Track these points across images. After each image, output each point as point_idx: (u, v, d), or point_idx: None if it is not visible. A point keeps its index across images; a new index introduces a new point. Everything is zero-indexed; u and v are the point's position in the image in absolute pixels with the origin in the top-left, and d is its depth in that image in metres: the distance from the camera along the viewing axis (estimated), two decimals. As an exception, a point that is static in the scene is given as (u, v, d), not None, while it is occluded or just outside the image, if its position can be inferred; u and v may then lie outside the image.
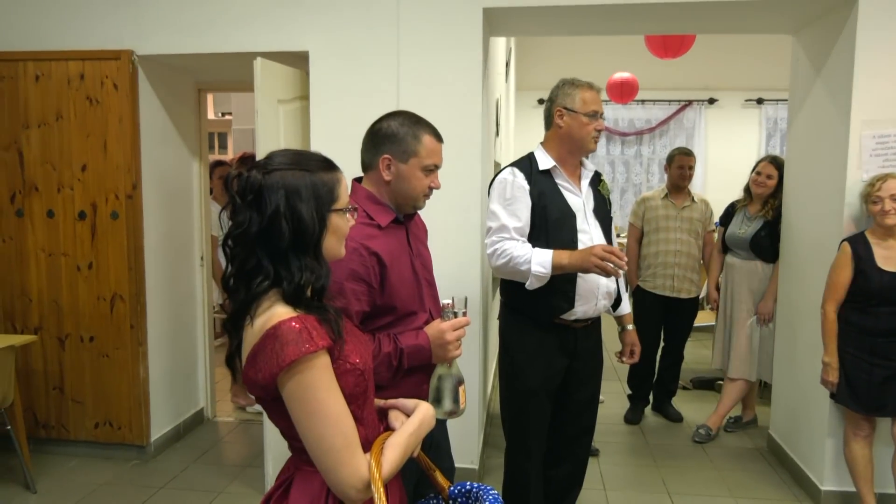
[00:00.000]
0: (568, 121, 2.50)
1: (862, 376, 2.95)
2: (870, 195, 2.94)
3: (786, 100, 7.98)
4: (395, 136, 1.86)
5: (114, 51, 3.44)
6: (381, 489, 1.24)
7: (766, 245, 3.88)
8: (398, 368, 1.80)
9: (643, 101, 8.21)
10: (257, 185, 1.29)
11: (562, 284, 2.46)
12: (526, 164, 2.57)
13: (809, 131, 3.51)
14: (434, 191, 1.95)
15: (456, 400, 1.74)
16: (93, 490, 3.35)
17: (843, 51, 3.14)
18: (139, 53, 3.47)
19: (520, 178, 2.51)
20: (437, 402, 1.73)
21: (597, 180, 2.67)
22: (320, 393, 1.24)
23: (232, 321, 1.37)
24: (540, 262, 2.37)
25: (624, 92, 7.09)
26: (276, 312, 1.26)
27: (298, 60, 3.41)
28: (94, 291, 3.58)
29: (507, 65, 6.24)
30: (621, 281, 2.76)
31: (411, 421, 1.42)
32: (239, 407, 4.50)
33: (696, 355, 4.71)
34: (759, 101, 8.18)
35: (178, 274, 4.00)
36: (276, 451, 3.33)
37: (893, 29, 3.01)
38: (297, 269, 1.30)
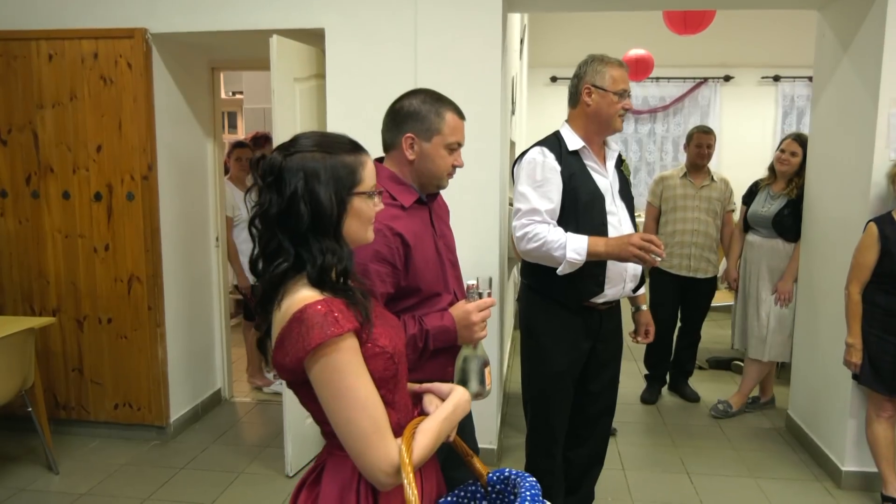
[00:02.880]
0: (597, 98, 2.43)
1: (886, 358, 2.92)
2: (897, 174, 2.89)
3: (803, 77, 7.92)
4: (417, 114, 1.83)
5: (127, 29, 3.39)
6: (411, 474, 1.22)
7: (789, 224, 3.83)
8: (423, 350, 1.79)
9: (657, 79, 8.09)
10: (278, 167, 1.29)
11: (592, 268, 2.41)
12: (555, 143, 2.49)
13: (835, 109, 3.44)
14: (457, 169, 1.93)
15: (482, 381, 1.73)
16: (115, 470, 3.38)
17: (872, 27, 3.07)
18: (153, 32, 3.43)
19: (550, 159, 2.44)
20: (462, 383, 1.71)
21: (619, 160, 2.63)
22: (347, 376, 1.23)
23: (260, 304, 1.36)
24: (575, 248, 2.32)
25: (639, 69, 6.98)
26: (302, 296, 1.25)
27: (314, 38, 3.36)
28: (110, 273, 3.58)
29: (522, 42, 6.16)
30: None
31: (445, 406, 1.41)
32: (256, 387, 4.51)
33: (712, 335, 4.69)
34: (776, 79, 8.04)
35: (194, 255, 3.99)
36: (295, 431, 3.34)
37: (925, 4, 2.93)
38: (318, 252, 1.29)
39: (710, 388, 4.52)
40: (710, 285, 4.34)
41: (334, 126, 3.32)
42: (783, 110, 8.19)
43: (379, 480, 1.24)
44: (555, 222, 2.42)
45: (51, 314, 3.61)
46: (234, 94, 7.26)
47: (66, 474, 3.33)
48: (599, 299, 2.49)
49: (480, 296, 1.78)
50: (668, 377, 4.50)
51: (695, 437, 3.81)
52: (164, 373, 3.67)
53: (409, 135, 1.83)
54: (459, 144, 1.89)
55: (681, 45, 6.78)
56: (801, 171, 3.86)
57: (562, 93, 8.27)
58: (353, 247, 1.37)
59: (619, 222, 2.49)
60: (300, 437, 3.40)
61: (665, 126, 8.33)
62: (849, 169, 3.25)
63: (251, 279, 4.42)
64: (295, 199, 1.27)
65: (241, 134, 7.01)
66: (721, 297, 4.63)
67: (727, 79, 8.20)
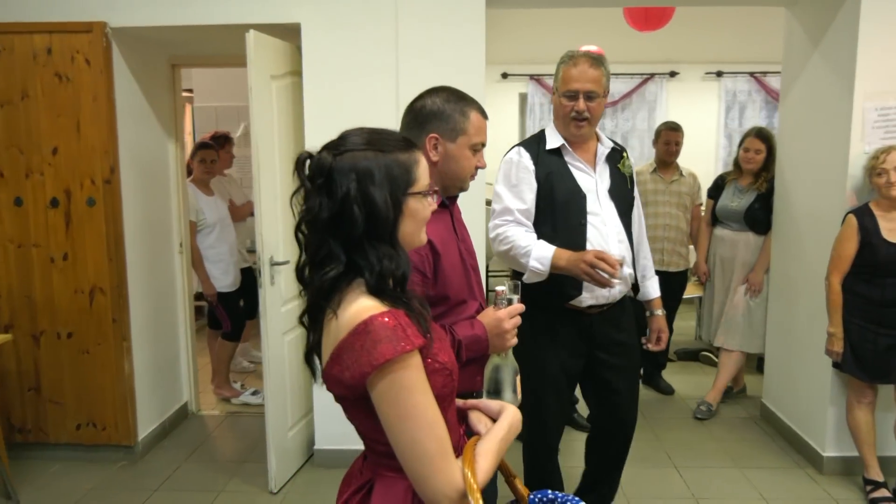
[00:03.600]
0: (554, 100, 2.43)
1: (867, 346, 3.01)
2: (874, 167, 2.97)
3: (744, 72, 8.15)
4: (441, 114, 1.75)
5: (85, 23, 3.16)
6: (480, 499, 1.15)
7: (761, 217, 3.91)
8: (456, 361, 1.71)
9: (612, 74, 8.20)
10: (328, 167, 1.20)
11: None
12: (534, 143, 2.47)
13: (806, 104, 3.53)
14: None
15: (515, 390, 1.66)
16: (81, 496, 3.15)
17: (844, 23, 3.15)
18: (112, 26, 3.21)
19: (525, 159, 2.42)
20: (495, 393, 1.65)
21: (618, 157, 2.56)
22: (415, 395, 1.15)
23: (309, 314, 1.26)
24: (538, 257, 2.27)
25: (591, 65, 7.06)
26: (364, 305, 1.16)
27: (288, 33, 3.22)
28: (70, 284, 3.34)
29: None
30: (648, 262, 2.70)
31: (500, 426, 1.33)
32: (223, 399, 4.31)
33: (677, 327, 4.78)
34: (719, 74, 8.27)
35: (159, 262, 3.77)
36: (278, 446, 3.20)
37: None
38: (375, 258, 1.20)
39: (681, 379, 4.59)
40: (681, 279, 4.40)
41: (313, 124, 3.18)
42: (726, 105, 8.44)
43: None
44: (530, 223, 2.39)
45: (3, 330, 3.34)
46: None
47: (28, 503, 3.09)
48: (583, 303, 2.43)
49: (510, 301, 1.72)
50: (641, 371, 4.54)
51: (676, 431, 3.85)
52: (131, 388, 3.45)
53: (433, 135, 1.74)
54: (483, 145, 1.82)
55: (629, 42, 6.88)
56: (767, 165, 3.95)
57: (513, 89, 8.24)
58: (407, 250, 1.28)
59: (601, 222, 2.41)
60: (283, 451, 3.26)
61: (614, 121, 8.44)
62: (823, 162, 3.34)
63: (222, 287, 4.16)
64: (347, 201, 1.17)
65: (187, 133, 6.71)
66: (688, 290, 4.70)
67: (672, 74, 8.39)
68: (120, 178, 3.34)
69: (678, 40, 7.77)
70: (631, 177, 2.58)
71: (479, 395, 1.92)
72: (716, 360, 4.53)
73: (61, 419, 3.45)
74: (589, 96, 2.33)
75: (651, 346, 2.66)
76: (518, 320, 1.75)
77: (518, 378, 1.69)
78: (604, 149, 2.50)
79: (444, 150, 1.76)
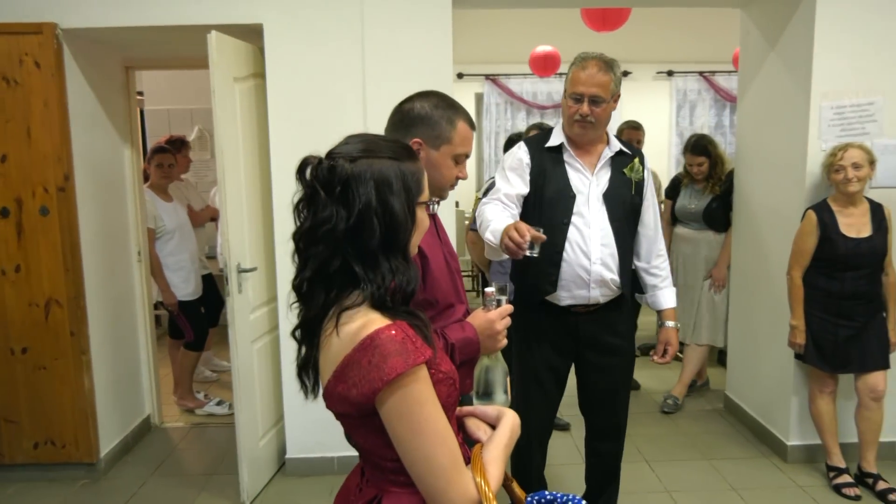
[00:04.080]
0: (563, 100, 2.43)
1: (828, 337, 3.11)
2: (832, 164, 3.06)
3: (694, 72, 8.35)
4: (428, 119, 1.72)
5: (34, 23, 3.02)
6: None
7: (719, 216, 4.00)
8: None
9: (561, 75, 8.28)
10: (345, 175, 1.14)
11: (546, 267, 2.40)
12: (538, 138, 2.51)
13: (763, 103, 3.62)
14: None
15: (506, 391, 1.66)
16: (42, 518, 3.03)
17: (800, 24, 3.24)
18: (63, 27, 3.07)
19: (521, 152, 2.47)
20: (486, 395, 1.64)
21: (626, 161, 2.47)
22: (426, 408, 1.12)
23: (305, 330, 1.22)
24: (493, 230, 2.21)
25: (547, 65, 7.11)
26: (370, 319, 1.12)
27: (251, 35, 3.14)
28: (24, 297, 3.19)
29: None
30: (661, 272, 2.58)
31: (502, 432, 1.31)
32: (187, 410, 4.19)
33: (643, 322, 4.84)
34: (670, 74, 8.45)
35: (117, 271, 3.64)
36: (249, 456, 3.13)
37: (850, 2, 3.13)
38: (388, 271, 1.16)
39: (645, 374, 4.66)
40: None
41: (278, 128, 3.11)
42: (677, 103, 8.64)
43: None
44: (514, 206, 2.40)
45: (-48, 348, 3.18)
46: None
47: (-15, 528, 2.96)
48: (561, 301, 2.45)
49: (500, 303, 1.71)
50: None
51: (644, 425, 3.91)
52: (91, 403, 3.32)
53: (416, 140, 1.71)
54: (467, 156, 1.80)
55: (583, 42, 6.93)
56: (713, 170, 4.03)
57: (469, 89, 8.23)
58: None
59: (585, 224, 2.40)
60: (254, 461, 3.19)
61: (570, 121, 8.57)
62: (781, 160, 3.43)
63: (183, 296, 4.05)
64: (368, 212, 1.13)
65: (141, 138, 6.51)
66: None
67: (625, 74, 8.53)
68: (75, 185, 3.20)
69: (631, 40, 7.88)
70: (639, 182, 2.48)
71: (467, 399, 1.92)
72: (680, 355, 4.62)
73: (17, 439, 3.29)
74: (594, 100, 2.31)
75: (657, 359, 2.56)
76: (508, 321, 1.75)
77: (508, 379, 1.69)
78: (609, 151, 2.46)
79: (427, 157, 1.73)
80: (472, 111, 7.65)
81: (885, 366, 3.10)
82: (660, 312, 2.60)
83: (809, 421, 3.30)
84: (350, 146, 1.20)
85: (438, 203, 1.35)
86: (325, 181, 1.15)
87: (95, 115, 3.44)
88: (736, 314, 3.97)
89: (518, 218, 2.38)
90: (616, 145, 2.48)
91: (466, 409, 1.43)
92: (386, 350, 1.09)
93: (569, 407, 2.70)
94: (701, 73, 8.25)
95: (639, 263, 2.60)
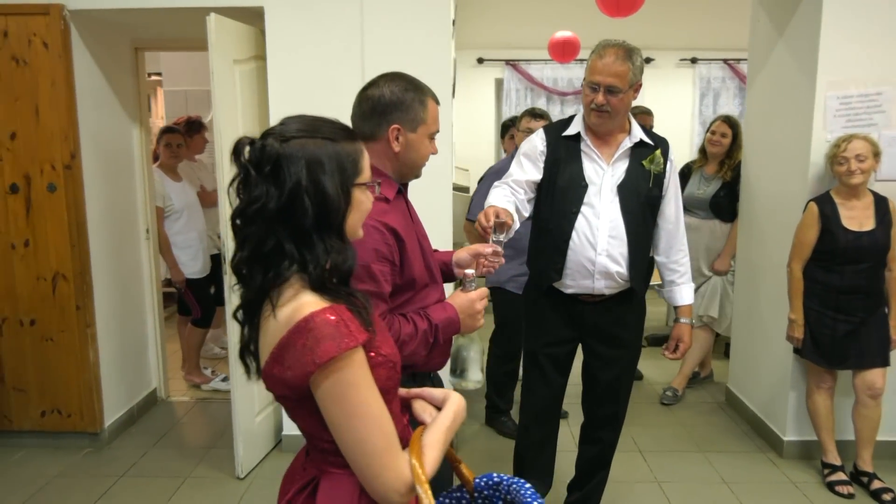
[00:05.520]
0: (583, 87, 2.39)
1: (826, 332, 3.05)
2: (836, 156, 2.99)
3: (718, 59, 8.18)
4: (402, 104, 1.74)
5: (42, 5, 3.10)
6: (429, 490, 1.15)
7: (726, 205, 3.94)
8: (433, 345, 1.73)
9: (582, 61, 8.18)
10: (275, 154, 1.15)
11: (551, 254, 2.42)
12: (558, 126, 2.49)
13: (771, 91, 3.54)
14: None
15: (482, 368, 1.69)
16: (46, 483, 3.14)
17: (808, 12, 3.16)
18: (70, 8, 3.14)
19: (538, 139, 2.47)
20: (462, 373, 1.68)
21: (647, 152, 2.40)
22: (360, 391, 1.13)
23: (245, 311, 1.24)
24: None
25: (566, 51, 7.01)
26: (305, 302, 1.13)
27: (251, 17, 3.17)
28: (32, 271, 3.30)
29: (453, 23, 6.07)
30: (680, 267, 2.56)
31: (445, 415, 1.32)
32: (194, 385, 4.30)
33: (649, 312, 4.78)
34: (693, 61, 8.28)
35: (124, 248, 3.73)
36: (245, 430, 3.20)
37: (859, -10, 3.04)
38: (323, 251, 1.17)
39: (651, 364, 4.63)
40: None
41: (277, 110, 3.15)
42: (700, 91, 8.46)
43: (391, 500, 1.14)
44: (523, 191, 2.41)
45: (-36, 318, 3.30)
46: (150, 75, 6.83)
47: (-9, 491, 3.08)
48: (565, 289, 2.45)
49: (476, 284, 1.75)
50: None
51: (643, 416, 3.90)
52: (96, 375, 3.43)
53: (395, 126, 1.73)
54: (437, 132, 1.83)
55: (605, 28, 6.84)
56: (731, 152, 3.97)
57: (489, 74, 8.17)
58: None
59: (595, 215, 2.36)
60: (250, 436, 3.26)
61: (591, 107, 8.46)
62: (787, 150, 3.36)
63: (191, 274, 4.13)
64: (298, 191, 1.13)
65: (159, 118, 6.62)
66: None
67: (648, 61, 8.39)
68: (81, 163, 3.29)
69: (653, 26, 7.75)
70: (658, 175, 2.41)
71: (436, 379, 1.95)
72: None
73: (24, 406, 3.42)
74: (610, 90, 2.26)
75: (668, 355, 2.57)
76: (486, 301, 1.79)
77: (484, 357, 1.71)
78: (629, 142, 2.40)
79: (406, 140, 1.75)
80: (491, 96, 7.61)
81: (884, 363, 3.04)
82: (675, 308, 2.60)
83: (807, 417, 3.25)
84: (285, 126, 1.21)
85: (379, 184, 1.36)
86: (256, 161, 1.16)
87: (103, 95, 3.52)
88: (740, 306, 3.92)
89: (524, 204, 2.39)
90: (637, 135, 2.40)
91: (414, 391, 1.44)
92: (320, 333, 1.10)
93: (568, 396, 2.71)
94: (725, 61, 8.07)
95: (658, 257, 2.58)
